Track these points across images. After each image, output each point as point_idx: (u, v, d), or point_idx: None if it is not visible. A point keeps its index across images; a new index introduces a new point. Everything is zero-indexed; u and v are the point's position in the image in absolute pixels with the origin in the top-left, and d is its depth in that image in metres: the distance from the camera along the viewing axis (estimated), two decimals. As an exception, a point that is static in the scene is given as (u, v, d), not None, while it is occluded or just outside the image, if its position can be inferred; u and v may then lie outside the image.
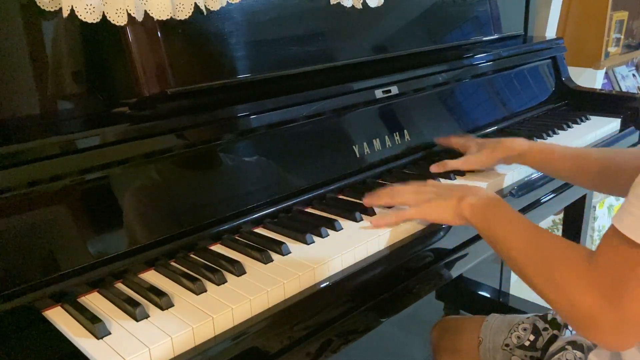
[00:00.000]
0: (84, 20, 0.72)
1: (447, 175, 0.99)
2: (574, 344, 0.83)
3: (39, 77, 0.74)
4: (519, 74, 1.41)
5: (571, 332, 0.87)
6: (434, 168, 1.00)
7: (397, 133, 1.06)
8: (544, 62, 1.50)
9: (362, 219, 0.83)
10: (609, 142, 1.25)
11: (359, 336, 0.75)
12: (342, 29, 1.07)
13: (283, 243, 0.75)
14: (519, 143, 0.97)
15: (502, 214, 0.73)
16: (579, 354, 0.81)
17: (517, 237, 0.68)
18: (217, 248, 0.78)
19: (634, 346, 0.63)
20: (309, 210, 0.89)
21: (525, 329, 0.94)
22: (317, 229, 0.79)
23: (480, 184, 0.96)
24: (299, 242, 0.77)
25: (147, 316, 0.62)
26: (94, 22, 0.73)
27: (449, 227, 0.84)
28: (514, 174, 1.02)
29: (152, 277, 0.71)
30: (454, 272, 0.89)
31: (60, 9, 0.71)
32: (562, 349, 0.83)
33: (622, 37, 2.12)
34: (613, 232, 0.54)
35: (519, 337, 0.94)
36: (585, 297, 0.55)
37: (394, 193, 0.83)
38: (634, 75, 2.55)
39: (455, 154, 1.13)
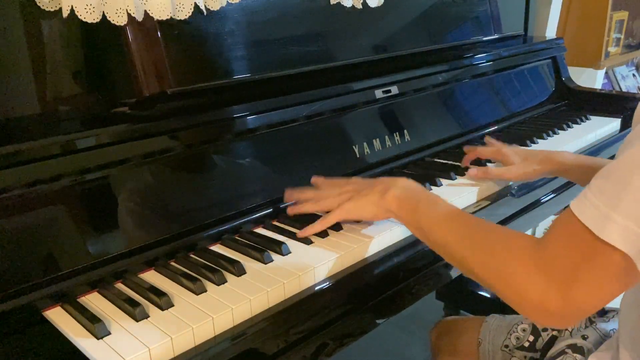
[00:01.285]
0: (84, 20, 0.72)
1: (448, 175, 0.99)
2: (573, 347, 0.83)
3: (39, 77, 0.74)
4: (519, 74, 1.41)
5: (571, 333, 0.87)
6: (473, 172, 0.97)
7: (397, 133, 1.06)
8: (544, 62, 1.50)
9: (362, 220, 0.83)
10: (609, 142, 1.25)
11: (359, 336, 0.75)
12: (342, 29, 1.07)
13: (283, 243, 0.75)
14: (567, 158, 0.94)
15: (429, 203, 0.71)
16: (579, 357, 0.81)
17: (451, 227, 0.66)
18: (217, 248, 0.78)
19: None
20: (309, 210, 0.89)
21: (524, 330, 0.94)
22: (317, 229, 0.79)
23: (482, 182, 0.96)
24: (299, 242, 0.77)
25: (147, 316, 0.62)
26: (94, 22, 0.73)
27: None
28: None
29: (152, 277, 0.71)
30: (454, 272, 0.89)
31: (60, 9, 0.71)
32: (562, 352, 0.83)
33: (622, 37, 2.12)
34: (570, 220, 0.53)
35: (518, 338, 0.94)
36: (533, 283, 0.54)
37: (317, 199, 0.81)
38: (634, 75, 2.55)
39: (455, 154, 1.13)
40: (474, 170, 0.97)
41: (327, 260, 0.72)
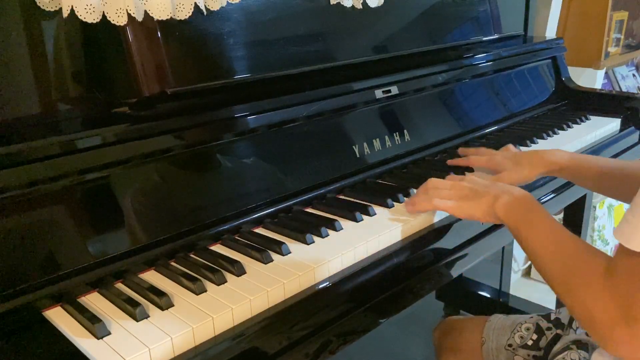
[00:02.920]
0: (84, 20, 0.72)
1: (448, 175, 0.99)
2: (578, 343, 0.83)
3: (39, 77, 0.74)
4: (519, 74, 1.41)
5: (575, 331, 0.87)
6: None
7: (397, 133, 1.06)
8: (544, 62, 1.50)
9: (362, 219, 0.83)
10: (609, 142, 1.25)
11: (359, 336, 0.75)
12: (342, 29, 1.07)
13: (283, 243, 0.75)
14: (560, 156, 0.94)
15: (532, 216, 0.72)
16: (583, 353, 0.81)
17: (543, 243, 0.69)
18: (217, 248, 0.78)
19: None
20: (309, 210, 0.89)
21: (528, 329, 0.94)
22: (317, 229, 0.79)
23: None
24: (299, 242, 0.77)
25: (147, 316, 0.62)
26: (94, 22, 0.73)
27: (449, 227, 0.84)
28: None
29: (152, 277, 0.71)
30: (454, 272, 0.89)
31: (60, 9, 0.71)
32: (567, 348, 0.83)
33: (622, 37, 2.12)
34: (622, 250, 0.55)
35: (521, 337, 0.94)
36: (602, 309, 0.56)
37: (429, 191, 0.83)
38: (634, 75, 2.55)
39: (455, 154, 1.13)
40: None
41: (327, 260, 0.72)
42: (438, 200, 0.81)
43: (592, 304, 0.57)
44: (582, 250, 0.65)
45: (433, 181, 0.85)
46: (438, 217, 0.87)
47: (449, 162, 1.06)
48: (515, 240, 0.76)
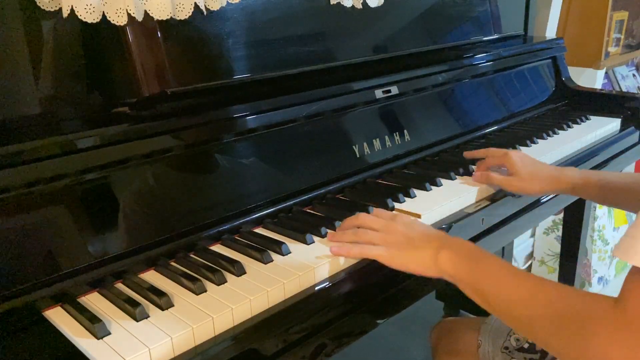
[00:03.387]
0: (84, 20, 0.72)
1: (448, 175, 0.99)
2: None
3: (39, 77, 0.74)
4: (519, 74, 1.41)
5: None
6: (477, 177, 0.95)
7: (397, 133, 1.06)
8: (544, 62, 1.50)
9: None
10: (609, 142, 1.25)
11: (359, 335, 0.75)
12: (342, 29, 1.07)
13: (283, 243, 0.75)
14: (572, 176, 0.92)
15: (489, 266, 0.67)
16: None
17: (516, 291, 0.62)
18: (217, 248, 0.78)
19: None
20: (309, 210, 0.89)
21: None
22: (317, 229, 0.79)
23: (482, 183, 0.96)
24: (299, 242, 0.77)
25: (147, 316, 0.62)
26: (94, 22, 0.73)
27: (449, 229, 0.84)
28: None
29: (152, 277, 0.71)
30: (454, 272, 0.89)
31: (60, 9, 0.71)
32: None
33: (622, 37, 2.12)
34: (636, 270, 0.51)
35: (517, 340, 0.94)
36: (617, 346, 0.51)
37: (359, 232, 0.75)
38: (634, 75, 2.55)
39: (455, 154, 1.13)
40: (477, 174, 0.96)
41: (327, 260, 0.72)
42: (367, 247, 0.73)
43: (603, 340, 0.51)
44: (572, 291, 0.59)
45: (362, 218, 0.77)
46: (438, 219, 0.87)
47: (466, 153, 1.04)
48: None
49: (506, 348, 0.94)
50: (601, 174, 0.93)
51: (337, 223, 0.81)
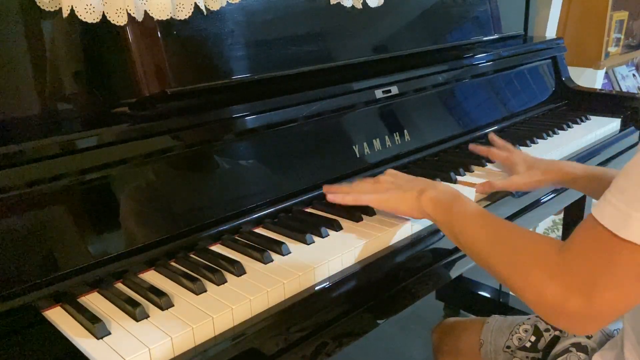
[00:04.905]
0: (84, 20, 0.72)
1: (448, 175, 0.99)
2: (577, 346, 0.83)
3: (39, 77, 0.74)
4: (519, 74, 1.41)
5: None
6: (479, 188, 0.96)
7: (397, 133, 1.06)
8: (544, 62, 1.50)
9: (362, 219, 0.83)
10: (609, 142, 1.25)
11: (359, 335, 0.75)
12: (342, 29, 1.07)
13: (283, 243, 0.75)
14: (573, 167, 0.93)
15: (464, 207, 0.73)
16: (582, 356, 0.81)
17: (481, 229, 0.68)
18: (217, 248, 0.78)
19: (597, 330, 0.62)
20: (309, 210, 0.89)
21: (526, 331, 0.94)
22: (317, 229, 0.79)
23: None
24: (299, 242, 0.77)
25: (147, 316, 0.62)
26: (94, 22, 0.73)
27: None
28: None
29: (152, 277, 0.71)
30: (454, 272, 0.89)
31: (60, 9, 0.71)
32: (566, 351, 0.83)
33: (622, 37, 2.12)
34: (590, 223, 0.54)
35: (520, 339, 0.94)
36: (554, 285, 0.55)
37: (352, 184, 0.86)
38: (634, 75, 2.55)
39: (455, 154, 1.13)
40: (479, 186, 0.96)
41: (327, 260, 0.72)
42: (359, 195, 0.82)
43: (543, 281, 0.56)
44: (527, 232, 0.65)
45: (354, 182, 0.87)
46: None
47: (471, 146, 1.08)
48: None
49: (508, 347, 0.95)
50: (603, 169, 0.93)
51: (337, 223, 0.81)
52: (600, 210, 0.53)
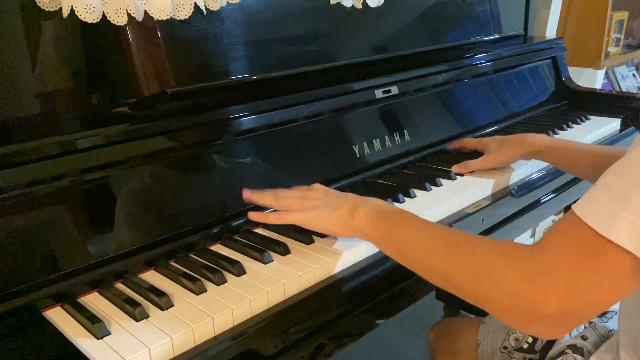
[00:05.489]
0: (84, 20, 0.72)
1: (448, 175, 0.99)
2: (574, 348, 0.82)
3: (39, 77, 0.74)
4: (519, 74, 1.41)
5: (570, 334, 0.87)
6: (456, 169, 1.01)
7: (397, 133, 1.06)
8: (544, 62, 1.50)
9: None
10: (609, 142, 1.25)
11: (359, 335, 0.75)
12: (342, 29, 1.07)
13: (283, 243, 0.75)
14: (539, 138, 0.98)
15: (406, 218, 0.68)
16: (579, 357, 0.81)
17: (432, 240, 0.63)
18: (217, 248, 0.78)
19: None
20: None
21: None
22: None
23: (485, 181, 0.96)
24: (299, 242, 0.77)
25: (147, 316, 0.62)
26: (94, 22, 0.73)
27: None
28: (517, 173, 1.02)
29: (152, 277, 0.71)
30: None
31: (60, 9, 0.71)
32: (562, 352, 0.83)
33: (622, 37, 2.12)
34: (572, 221, 0.51)
35: (517, 339, 0.94)
36: (527, 289, 0.51)
37: (277, 196, 0.78)
38: (634, 75, 2.55)
39: (455, 153, 1.13)
40: (455, 166, 1.02)
41: (327, 260, 0.72)
42: (284, 214, 0.76)
43: (517, 286, 0.52)
44: (483, 238, 0.60)
45: (281, 190, 0.79)
46: (438, 219, 0.87)
47: (449, 145, 1.13)
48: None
49: (505, 348, 0.94)
50: (568, 142, 0.97)
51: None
52: (583, 207, 0.50)
